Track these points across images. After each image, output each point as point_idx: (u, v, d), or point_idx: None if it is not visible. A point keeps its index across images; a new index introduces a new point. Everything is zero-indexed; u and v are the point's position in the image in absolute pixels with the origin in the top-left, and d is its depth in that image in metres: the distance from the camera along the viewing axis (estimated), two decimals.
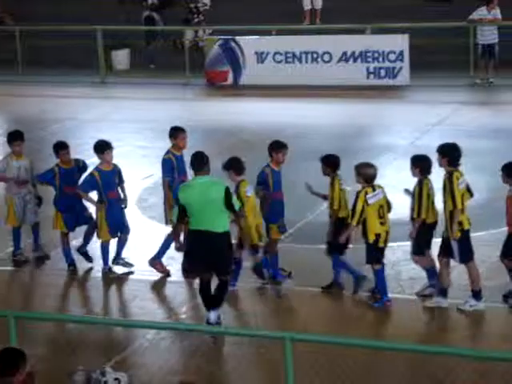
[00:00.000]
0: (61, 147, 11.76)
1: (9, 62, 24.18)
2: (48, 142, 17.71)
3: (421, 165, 10.09)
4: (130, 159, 15.97)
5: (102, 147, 11.35)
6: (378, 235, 9.97)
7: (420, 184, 10.10)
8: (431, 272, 10.22)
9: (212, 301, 9.73)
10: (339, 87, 21.33)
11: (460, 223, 9.77)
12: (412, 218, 10.12)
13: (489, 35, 20.98)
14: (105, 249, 11.34)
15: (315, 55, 22.07)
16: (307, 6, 24.35)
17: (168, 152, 11.51)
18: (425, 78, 21.12)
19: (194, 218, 9.59)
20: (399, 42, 21.41)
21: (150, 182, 14.64)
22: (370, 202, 9.90)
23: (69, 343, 9.48)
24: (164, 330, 9.63)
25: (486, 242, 11.27)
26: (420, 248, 10.21)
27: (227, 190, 9.57)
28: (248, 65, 22.53)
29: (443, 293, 9.99)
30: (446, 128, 17.48)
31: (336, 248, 10.34)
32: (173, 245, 10.61)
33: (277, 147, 10.88)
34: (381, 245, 10.02)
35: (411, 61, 21.10)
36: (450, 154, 9.86)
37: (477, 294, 9.92)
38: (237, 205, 9.66)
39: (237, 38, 22.68)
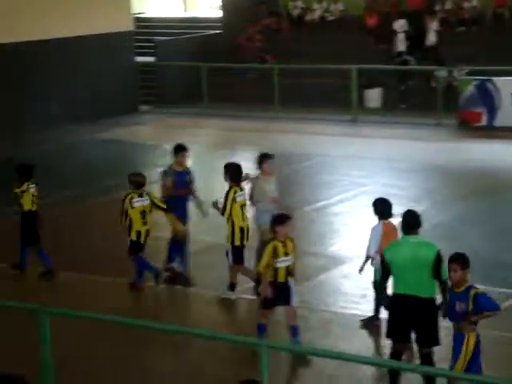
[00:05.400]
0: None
1: (267, 99, 25.18)
2: (298, 177, 18.37)
3: None
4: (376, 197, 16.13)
5: None
6: (138, 232, 12.24)
7: None
8: None
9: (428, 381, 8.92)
10: None
11: (241, 229, 11.79)
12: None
13: None
14: None
15: None
16: None
17: None
18: None
19: (399, 280, 9.01)
20: None
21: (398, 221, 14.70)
22: (134, 205, 12.16)
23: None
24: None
25: None
26: None
27: (438, 254, 8.90)
28: (504, 106, 22.07)
29: (232, 287, 11.99)
30: None
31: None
32: None
33: None
34: (141, 240, 12.34)
35: None
36: (231, 172, 11.93)
37: (232, 286, 11.99)
38: (445, 273, 8.78)
39: (494, 78, 22.31)
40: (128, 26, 26.70)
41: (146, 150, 21.77)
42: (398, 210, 14.78)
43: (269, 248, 10.05)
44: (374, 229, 10.80)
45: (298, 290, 11.87)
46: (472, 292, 8.41)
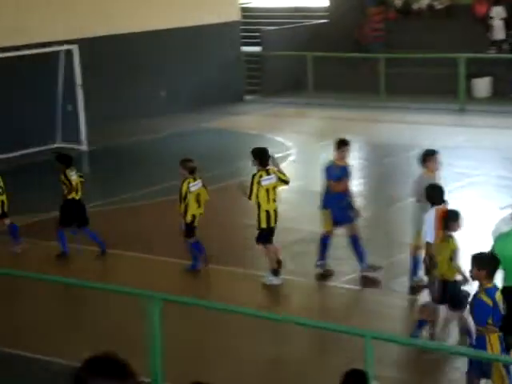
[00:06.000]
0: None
1: (373, 88, 24.93)
2: (404, 167, 18.08)
3: None
4: (486, 188, 15.81)
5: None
6: (193, 216, 12.46)
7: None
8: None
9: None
10: None
11: (267, 212, 11.88)
12: None
13: None
14: None
15: None
16: None
17: None
18: None
19: (509, 273, 8.66)
20: None
21: (509, 213, 14.33)
22: (191, 189, 12.39)
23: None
24: None
25: None
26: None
27: None
28: None
29: (275, 273, 12.07)
30: None
31: None
32: None
33: None
34: (195, 224, 12.55)
35: None
36: (260, 156, 12.04)
37: (275, 272, 12.09)
38: None
39: None
40: (235, 16, 26.86)
41: (250, 140, 21.83)
42: (509, 201, 14.48)
43: (450, 246, 9.81)
44: (427, 216, 10.65)
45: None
46: (478, 295, 8.11)
